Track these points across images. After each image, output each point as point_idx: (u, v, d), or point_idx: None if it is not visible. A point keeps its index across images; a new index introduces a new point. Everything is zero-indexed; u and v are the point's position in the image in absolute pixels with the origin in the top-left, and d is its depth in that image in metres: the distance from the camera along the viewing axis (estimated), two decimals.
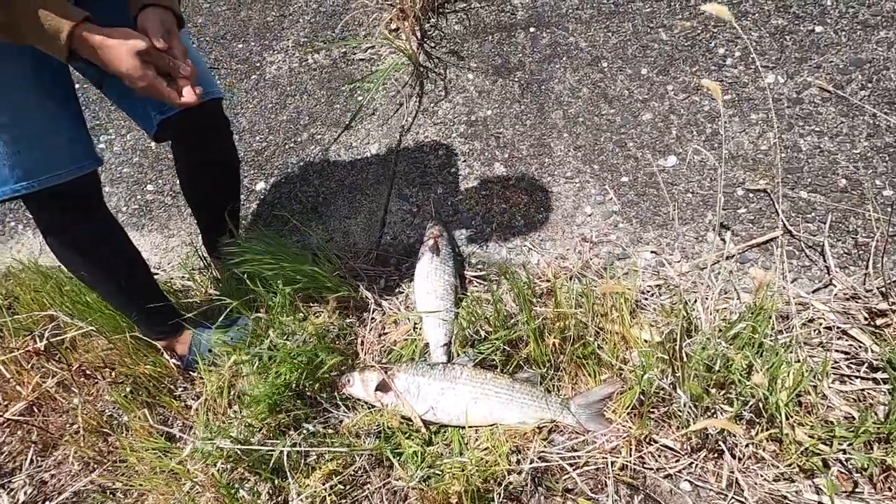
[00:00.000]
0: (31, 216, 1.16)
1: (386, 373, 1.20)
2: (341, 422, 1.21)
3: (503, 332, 1.20)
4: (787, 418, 1.01)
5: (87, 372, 1.42)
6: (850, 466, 1.01)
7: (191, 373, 1.36)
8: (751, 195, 1.44)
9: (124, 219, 1.93)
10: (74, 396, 1.38)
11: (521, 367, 1.22)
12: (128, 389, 1.34)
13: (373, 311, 1.41)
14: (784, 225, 1.36)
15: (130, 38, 0.92)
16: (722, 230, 1.39)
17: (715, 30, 1.73)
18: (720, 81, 1.63)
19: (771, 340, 1.08)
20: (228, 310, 1.27)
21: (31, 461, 1.34)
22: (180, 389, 1.36)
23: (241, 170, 1.88)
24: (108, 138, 2.13)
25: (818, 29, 1.63)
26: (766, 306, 1.10)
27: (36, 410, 1.40)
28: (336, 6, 2.20)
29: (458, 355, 1.27)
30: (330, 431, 1.19)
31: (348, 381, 1.23)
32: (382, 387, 1.19)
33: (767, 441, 1.04)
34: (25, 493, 1.30)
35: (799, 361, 1.08)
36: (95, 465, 1.27)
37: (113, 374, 1.39)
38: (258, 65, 2.14)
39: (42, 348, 1.46)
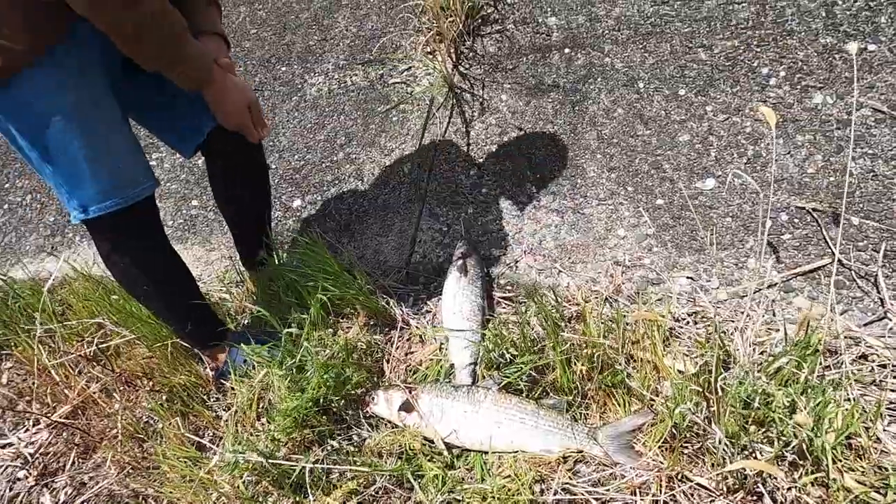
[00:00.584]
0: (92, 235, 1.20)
1: (410, 393, 1.20)
2: (364, 440, 1.21)
3: (530, 356, 1.18)
4: (835, 462, 0.94)
5: (128, 379, 1.48)
6: None
7: (223, 382, 1.40)
8: (796, 220, 1.37)
9: (170, 232, 2.02)
10: (116, 402, 1.44)
11: (548, 393, 1.19)
12: (164, 398, 1.39)
13: (400, 330, 1.42)
14: (833, 252, 1.28)
15: (242, 85, 1.18)
16: (765, 256, 1.33)
17: (758, 49, 1.67)
18: (763, 102, 1.57)
19: (817, 377, 1.02)
20: (283, 328, 1.30)
21: (73, 462, 1.41)
22: (212, 400, 1.40)
23: (276, 184, 1.95)
24: (159, 156, 2.25)
25: (871, 47, 1.56)
26: (813, 340, 1.04)
27: (80, 413, 1.47)
28: (374, 30, 2.27)
29: (484, 378, 1.25)
30: (353, 448, 1.20)
31: (373, 398, 1.23)
32: (406, 407, 1.19)
33: (812, 486, 0.97)
34: (66, 494, 1.36)
35: (849, 401, 1.01)
36: (130, 471, 1.32)
37: (151, 382, 1.45)
38: (300, 86, 2.22)
39: (90, 354, 1.54)
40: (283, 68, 2.31)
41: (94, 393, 1.46)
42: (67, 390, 1.49)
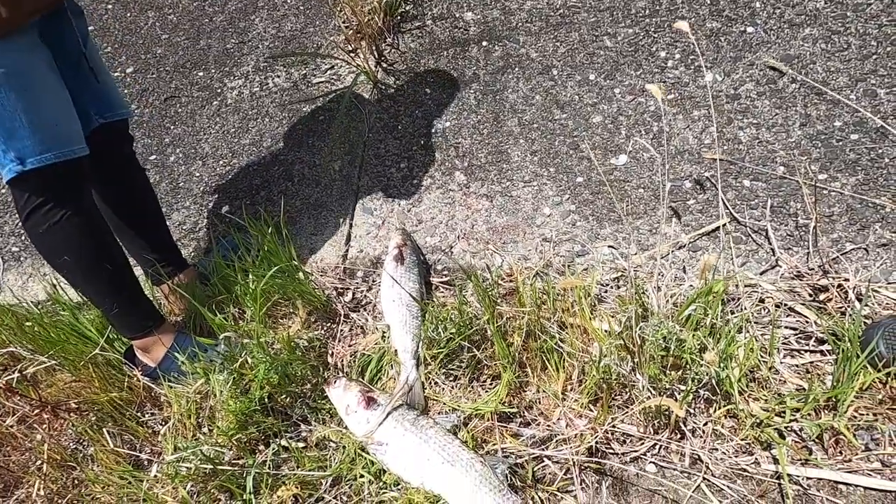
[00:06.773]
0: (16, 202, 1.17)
1: (368, 392, 1.20)
2: (311, 433, 1.21)
3: (465, 330, 1.22)
4: (741, 393, 1.05)
5: (50, 406, 1.38)
6: (804, 435, 1.05)
7: (154, 386, 1.34)
8: (698, 187, 1.50)
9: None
10: (37, 433, 1.34)
11: (487, 366, 1.24)
12: (92, 419, 1.31)
13: (341, 324, 1.42)
14: (729, 212, 1.42)
15: None
16: (673, 219, 1.45)
17: (655, 35, 1.82)
18: (663, 82, 1.71)
19: (722, 321, 1.13)
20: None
21: None
22: (147, 416, 1.34)
23: (201, 191, 1.88)
24: None
25: (749, 29, 1.74)
26: (715, 288, 1.15)
27: None
28: (294, 31, 2.25)
29: (426, 359, 1.28)
30: (300, 445, 1.19)
31: (335, 382, 1.23)
32: (361, 400, 1.19)
33: (725, 417, 1.08)
34: None
35: (754, 339, 1.12)
36: (59, 499, 1.23)
37: (77, 405, 1.36)
38: (219, 91, 2.16)
39: (4, 385, 1.42)
40: (200, 73, 2.24)
41: (10, 426, 1.35)
42: None
